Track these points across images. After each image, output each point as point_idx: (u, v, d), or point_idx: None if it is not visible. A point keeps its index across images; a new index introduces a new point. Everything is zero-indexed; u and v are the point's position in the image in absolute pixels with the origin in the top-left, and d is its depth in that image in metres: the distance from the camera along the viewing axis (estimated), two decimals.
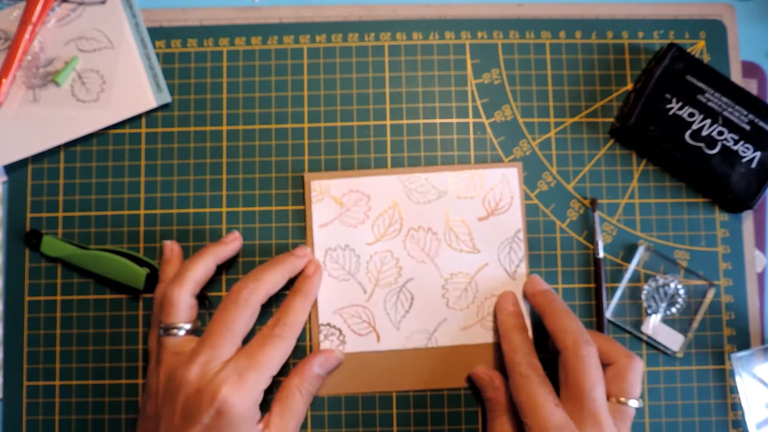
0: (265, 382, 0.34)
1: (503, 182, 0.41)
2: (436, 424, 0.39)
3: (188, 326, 0.36)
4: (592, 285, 0.41)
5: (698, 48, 0.42)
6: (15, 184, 0.41)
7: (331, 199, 0.40)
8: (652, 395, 0.40)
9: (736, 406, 0.40)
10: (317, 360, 0.38)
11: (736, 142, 0.39)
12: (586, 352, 0.34)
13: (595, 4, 0.43)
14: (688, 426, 0.40)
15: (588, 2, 0.43)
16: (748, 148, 0.39)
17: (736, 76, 0.42)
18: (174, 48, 0.42)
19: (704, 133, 0.39)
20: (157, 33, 0.42)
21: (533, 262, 0.41)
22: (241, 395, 0.33)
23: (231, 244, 0.39)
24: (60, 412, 0.39)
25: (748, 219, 0.41)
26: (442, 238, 0.40)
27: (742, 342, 0.40)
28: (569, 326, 0.35)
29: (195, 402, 0.33)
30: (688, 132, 0.39)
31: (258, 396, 0.34)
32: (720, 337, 0.40)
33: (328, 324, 0.40)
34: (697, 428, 0.40)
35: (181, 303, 0.36)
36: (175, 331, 0.35)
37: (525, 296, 0.40)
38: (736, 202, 0.40)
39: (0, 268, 0.40)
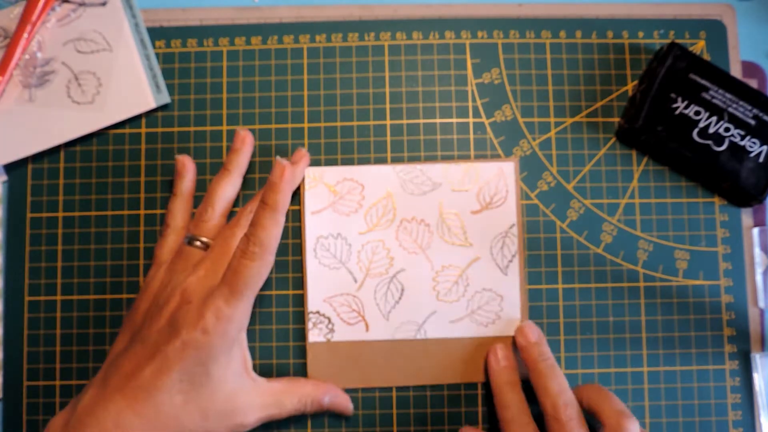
0: (245, 310, 0.31)
1: (499, 176, 0.38)
2: (436, 424, 0.37)
3: (211, 241, 0.35)
4: (592, 285, 0.38)
5: (698, 48, 0.39)
6: (15, 184, 0.38)
7: (324, 186, 0.37)
8: (652, 395, 0.37)
9: (736, 406, 0.37)
10: (333, 393, 0.35)
11: (742, 138, 0.36)
12: (564, 415, 0.32)
13: (595, 4, 0.40)
14: (688, 426, 0.37)
15: (588, 2, 0.40)
16: (754, 143, 0.36)
17: (735, 76, 0.39)
18: (174, 48, 0.39)
19: (711, 130, 0.36)
20: (157, 33, 0.39)
21: (533, 262, 0.38)
22: (218, 330, 0.30)
23: (244, 150, 0.37)
24: None
25: (748, 219, 0.38)
26: (435, 230, 0.37)
27: (742, 342, 0.37)
28: (550, 388, 0.33)
29: (184, 314, 0.30)
30: (696, 130, 0.36)
31: (238, 326, 0.31)
32: (720, 337, 0.38)
33: (317, 312, 0.37)
34: (697, 428, 0.37)
35: (212, 220, 0.35)
36: (197, 243, 0.35)
37: (514, 342, 0.36)
38: (745, 197, 0.37)
39: (0, 268, 0.38)
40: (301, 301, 0.37)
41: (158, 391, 0.30)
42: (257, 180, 0.38)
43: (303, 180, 0.37)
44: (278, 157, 0.31)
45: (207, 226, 0.35)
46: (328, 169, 0.37)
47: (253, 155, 0.38)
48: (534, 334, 0.35)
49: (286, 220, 0.37)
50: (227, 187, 0.36)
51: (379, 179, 0.37)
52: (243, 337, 0.33)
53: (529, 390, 0.34)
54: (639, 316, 0.37)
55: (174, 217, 0.36)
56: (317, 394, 0.34)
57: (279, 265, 0.37)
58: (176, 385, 0.30)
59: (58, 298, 0.37)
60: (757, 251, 0.38)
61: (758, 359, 0.37)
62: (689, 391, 0.37)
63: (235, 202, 0.38)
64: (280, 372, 0.37)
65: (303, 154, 0.37)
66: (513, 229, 0.37)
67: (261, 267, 0.31)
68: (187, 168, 0.37)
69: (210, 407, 0.31)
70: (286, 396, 0.33)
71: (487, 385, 0.37)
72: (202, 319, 0.30)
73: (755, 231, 0.38)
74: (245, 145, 0.37)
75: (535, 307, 0.37)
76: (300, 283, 0.37)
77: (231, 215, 0.37)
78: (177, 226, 0.36)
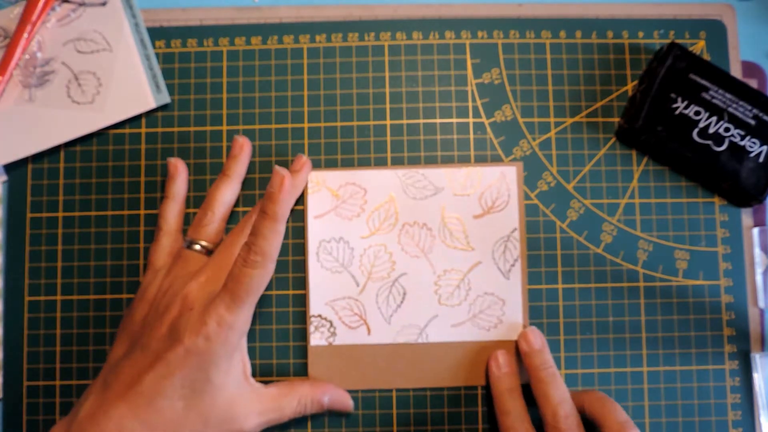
0: (246, 317, 0.31)
1: (501, 180, 0.37)
2: (436, 424, 0.36)
3: (210, 246, 0.35)
4: (592, 285, 0.38)
5: (698, 48, 0.39)
6: (15, 184, 0.38)
7: (327, 190, 0.37)
8: (652, 395, 0.37)
9: (736, 406, 0.37)
10: (332, 392, 0.35)
11: (742, 138, 0.36)
12: (564, 425, 0.32)
13: (595, 4, 0.40)
14: (688, 426, 0.37)
15: (588, 2, 0.40)
16: (754, 143, 0.36)
17: (735, 76, 0.39)
18: (174, 48, 0.39)
19: (711, 130, 0.36)
20: (157, 33, 0.39)
21: (533, 262, 0.38)
22: (219, 338, 0.30)
23: (242, 156, 0.37)
24: (60, 412, 0.36)
25: (748, 219, 0.38)
26: (437, 234, 0.37)
27: (742, 342, 0.37)
28: (551, 396, 0.33)
29: (185, 320, 0.30)
30: (696, 130, 0.36)
31: (240, 333, 0.31)
32: (720, 337, 0.37)
33: (319, 315, 0.36)
34: (697, 428, 0.36)
35: (212, 224, 0.35)
36: (197, 247, 0.35)
37: (517, 348, 0.36)
38: (745, 197, 0.37)
39: (0, 268, 0.38)
40: (302, 301, 0.37)
41: (160, 396, 0.30)
42: (257, 180, 0.38)
43: (306, 184, 0.37)
44: (277, 167, 0.31)
45: (207, 230, 0.35)
46: (330, 173, 0.37)
47: (253, 156, 0.38)
48: (537, 340, 0.35)
49: (288, 221, 0.37)
50: (226, 192, 0.36)
51: (381, 183, 0.37)
52: (243, 343, 0.33)
53: (529, 394, 0.34)
54: (639, 316, 0.37)
55: (167, 220, 0.36)
56: (316, 394, 0.34)
57: (280, 265, 0.37)
58: (178, 391, 0.30)
59: (58, 298, 0.37)
60: (757, 251, 0.38)
61: (758, 359, 0.37)
62: (689, 391, 0.37)
63: (236, 204, 0.38)
64: (281, 372, 0.37)
65: (304, 162, 0.37)
66: (515, 233, 0.37)
67: (262, 275, 0.31)
68: (180, 170, 0.37)
69: (210, 413, 0.31)
70: (285, 400, 0.33)
71: (487, 386, 0.37)
72: (204, 325, 0.30)
73: (755, 231, 0.38)
74: (243, 151, 0.37)
75: (535, 308, 0.37)
76: (301, 283, 0.37)
77: (233, 220, 0.37)
78: (170, 229, 0.36)
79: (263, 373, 0.37)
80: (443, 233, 0.37)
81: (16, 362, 0.37)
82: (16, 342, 0.37)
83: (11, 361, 0.37)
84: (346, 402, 0.35)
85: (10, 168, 0.38)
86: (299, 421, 0.36)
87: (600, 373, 0.37)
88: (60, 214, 0.38)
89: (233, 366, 0.32)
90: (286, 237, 0.37)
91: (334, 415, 0.36)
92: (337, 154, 0.38)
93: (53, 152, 0.38)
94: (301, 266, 0.37)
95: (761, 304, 0.38)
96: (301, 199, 0.38)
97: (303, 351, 0.37)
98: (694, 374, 0.37)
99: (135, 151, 0.38)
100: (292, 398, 0.34)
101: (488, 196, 0.37)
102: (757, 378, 0.37)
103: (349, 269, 0.37)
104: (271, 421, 0.33)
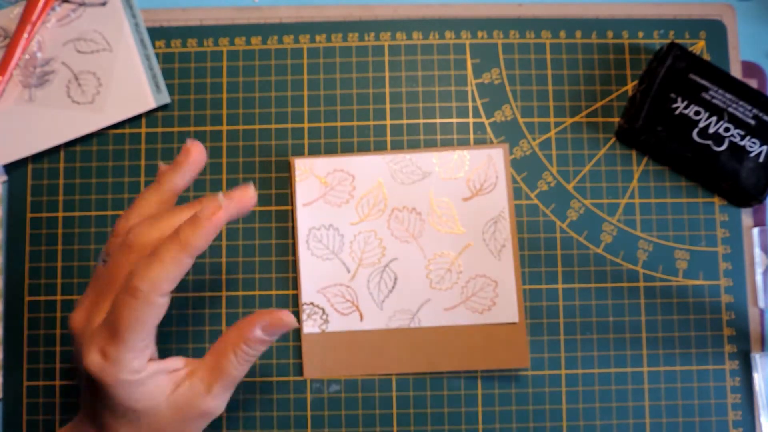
0: (134, 350, 0.26)
1: (488, 162, 0.38)
2: (436, 424, 0.36)
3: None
4: (592, 285, 0.38)
5: (698, 48, 0.39)
6: (15, 184, 0.38)
7: (315, 178, 0.37)
8: (652, 395, 0.37)
9: (736, 406, 0.37)
10: (261, 322, 0.28)
11: (742, 138, 0.36)
12: None
13: (595, 4, 0.40)
14: (688, 426, 0.37)
15: (588, 2, 0.40)
16: (754, 143, 0.36)
17: (735, 76, 0.39)
18: (174, 48, 0.39)
19: (711, 130, 0.36)
20: (157, 33, 0.39)
21: (533, 262, 0.38)
22: (108, 374, 0.25)
23: (186, 165, 0.29)
24: (60, 413, 0.36)
25: (748, 219, 0.38)
26: (426, 219, 0.37)
27: (742, 342, 0.37)
28: None
29: (78, 356, 0.27)
30: (695, 130, 0.36)
31: (133, 367, 0.26)
32: (720, 337, 0.37)
33: (311, 303, 0.37)
34: (697, 428, 0.37)
35: (121, 236, 0.28)
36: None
37: None
38: (745, 197, 0.37)
39: (0, 268, 0.38)
40: (295, 296, 0.37)
41: (109, 427, 0.27)
42: (257, 180, 0.38)
43: (294, 171, 0.37)
44: (220, 194, 0.26)
45: (117, 242, 0.28)
46: (318, 160, 0.37)
47: (253, 156, 0.38)
48: None
49: (282, 220, 0.37)
50: (150, 201, 0.29)
51: (369, 169, 0.37)
52: (154, 363, 0.27)
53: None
54: (639, 316, 0.37)
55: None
56: (245, 333, 0.28)
57: (279, 266, 0.37)
58: (118, 420, 0.27)
59: (58, 298, 0.37)
60: (757, 251, 0.38)
61: (758, 359, 0.37)
62: (689, 391, 0.37)
63: None
64: (280, 371, 0.37)
65: (251, 196, 0.28)
66: (504, 213, 0.37)
67: (144, 309, 0.25)
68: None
69: (159, 427, 0.27)
70: (222, 360, 0.28)
71: (486, 385, 0.37)
72: (90, 365, 0.26)
73: (755, 231, 0.38)
74: (188, 158, 0.29)
75: (535, 307, 0.37)
76: (293, 279, 0.37)
77: None
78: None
79: (263, 372, 0.37)
80: (432, 217, 0.37)
81: (16, 362, 0.37)
82: (16, 342, 0.37)
83: (11, 361, 0.37)
84: (283, 320, 0.28)
85: (10, 168, 0.38)
86: (300, 421, 0.36)
87: (600, 373, 0.37)
88: (60, 214, 0.38)
89: (151, 389, 0.27)
90: (284, 237, 0.37)
91: (333, 415, 0.36)
92: (337, 155, 0.38)
93: (53, 152, 0.38)
94: (292, 256, 0.37)
95: (761, 304, 0.38)
96: (289, 188, 0.37)
97: (298, 345, 0.37)
98: (694, 374, 0.37)
99: (135, 151, 0.38)
100: (226, 354, 0.28)
101: (476, 179, 0.37)
102: (757, 378, 0.37)
103: (339, 256, 0.37)
104: (226, 386, 0.28)
